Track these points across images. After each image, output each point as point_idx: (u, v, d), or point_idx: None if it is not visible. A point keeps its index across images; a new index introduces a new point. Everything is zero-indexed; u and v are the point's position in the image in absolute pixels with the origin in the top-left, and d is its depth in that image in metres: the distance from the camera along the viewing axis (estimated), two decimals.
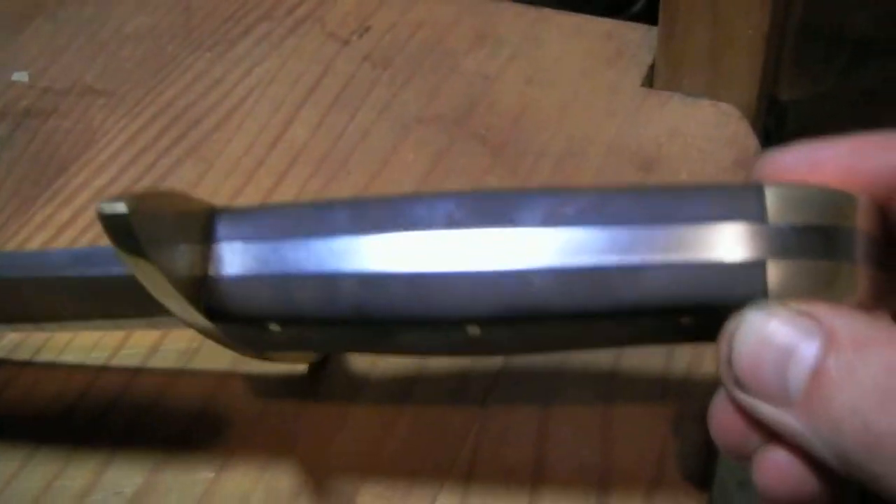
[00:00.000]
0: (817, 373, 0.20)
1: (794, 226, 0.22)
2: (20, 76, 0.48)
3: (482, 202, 0.25)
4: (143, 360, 0.34)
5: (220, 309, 0.25)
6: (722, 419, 0.23)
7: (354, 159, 0.41)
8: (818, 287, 0.22)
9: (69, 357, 0.35)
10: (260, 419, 0.32)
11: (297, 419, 0.32)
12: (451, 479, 0.30)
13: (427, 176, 0.40)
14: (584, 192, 0.24)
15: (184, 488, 0.30)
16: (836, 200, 0.23)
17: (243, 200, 0.40)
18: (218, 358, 0.34)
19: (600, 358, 0.33)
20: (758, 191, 0.23)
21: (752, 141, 0.40)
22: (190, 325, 0.26)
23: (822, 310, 0.21)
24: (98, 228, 0.23)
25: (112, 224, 0.22)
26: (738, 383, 0.22)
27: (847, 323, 0.21)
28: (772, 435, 0.22)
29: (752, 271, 0.22)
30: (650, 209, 0.23)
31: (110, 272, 0.27)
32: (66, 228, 0.40)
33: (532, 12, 0.48)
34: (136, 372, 0.34)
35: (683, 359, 0.32)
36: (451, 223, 0.24)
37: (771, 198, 0.23)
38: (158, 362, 0.34)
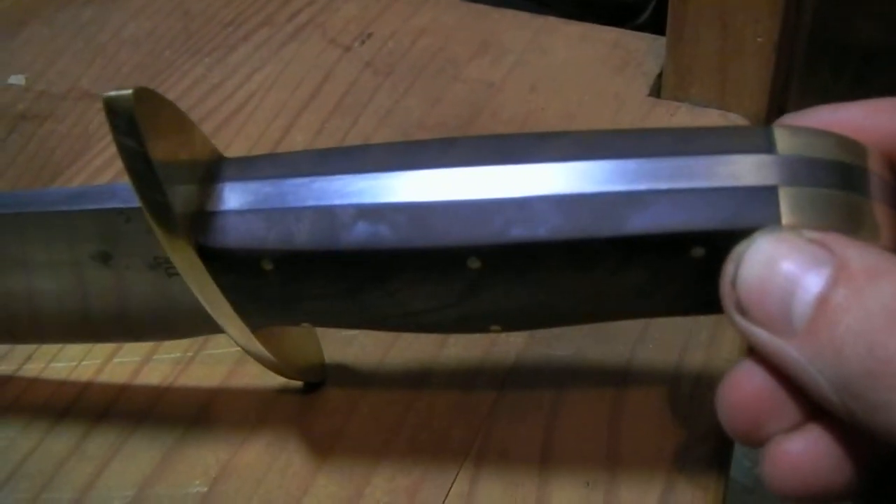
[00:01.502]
0: (823, 301, 0.19)
1: (806, 157, 0.22)
2: (17, 79, 0.47)
3: (488, 145, 0.24)
4: (136, 368, 0.33)
5: (213, 244, 0.24)
6: (734, 399, 0.22)
7: None
8: (835, 219, 0.21)
9: (60, 365, 0.34)
10: (255, 431, 0.31)
11: (293, 432, 0.31)
12: (454, 487, 0.29)
13: None
14: (591, 133, 0.24)
15: (175, 502, 0.29)
16: (846, 144, 0.22)
17: None
18: (213, 366, 0.33)
19: (609, 361, 0.32)
20: (766, 130, 0.23)
21: None
22: (180, 272, 0.25)
23: (836, 240, 0.20)
24: None
25: (114, 108, 0.22)
26: (740, 308, 0.21)
27: (861, 254, 0.20)
28: (795, 418, 0.21)
29: (764, 196, 0.22)
30: (658, 145, 0.23)
31: (104, 205, 0.27)
32: None
33: (536, 21, 0.48)
34: (130, 380, 0.33)
35: (694, 366, 0.31)
36: (455, 163, 0.24)
37: (780, 136, 0.22)
38: (152, 371, 0.33)
